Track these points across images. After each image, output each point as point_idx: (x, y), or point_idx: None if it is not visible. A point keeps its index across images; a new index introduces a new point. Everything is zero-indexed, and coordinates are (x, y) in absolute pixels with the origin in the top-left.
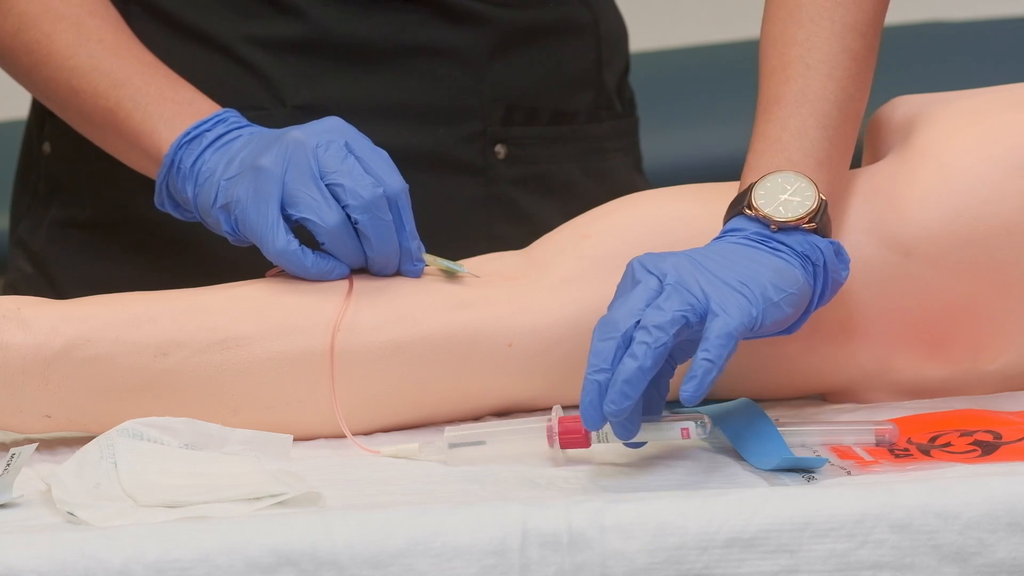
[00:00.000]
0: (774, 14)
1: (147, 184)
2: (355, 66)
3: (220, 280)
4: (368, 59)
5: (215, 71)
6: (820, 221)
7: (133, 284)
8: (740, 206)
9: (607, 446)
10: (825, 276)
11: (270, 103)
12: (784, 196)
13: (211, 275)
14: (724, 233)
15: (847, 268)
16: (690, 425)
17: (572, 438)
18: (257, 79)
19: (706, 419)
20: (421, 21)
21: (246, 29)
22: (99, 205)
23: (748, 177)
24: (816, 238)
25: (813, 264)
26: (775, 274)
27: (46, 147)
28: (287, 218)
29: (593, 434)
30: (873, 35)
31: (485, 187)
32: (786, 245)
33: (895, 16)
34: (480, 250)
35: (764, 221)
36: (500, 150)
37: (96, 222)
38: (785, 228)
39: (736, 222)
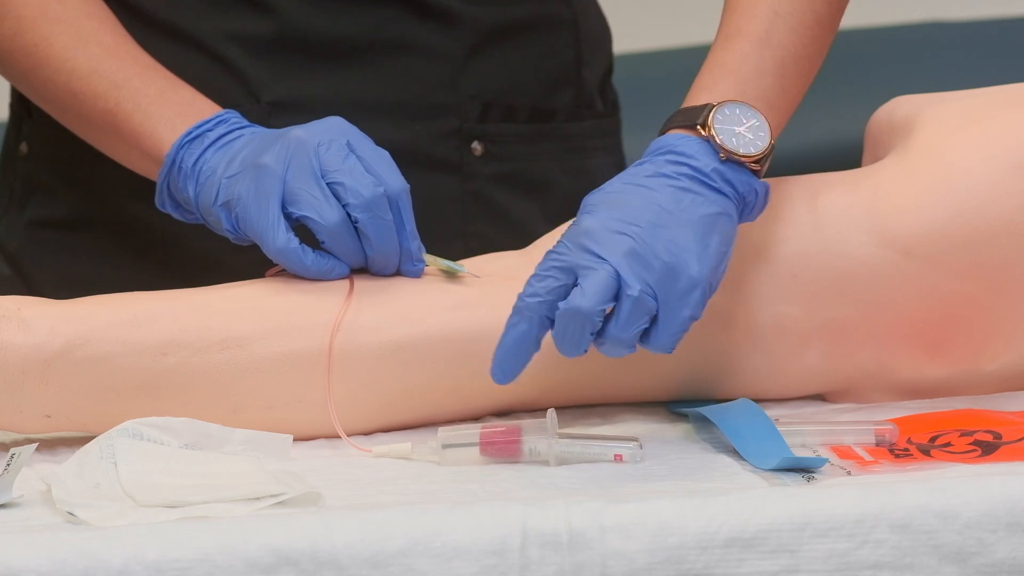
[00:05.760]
0: None
1: (126, 183)
2: (330, 62)
3: (201, 279)
4: (343, 56)
5: (189, 67)
6: (764, 165)
7: (111, 284)
8: (691, 121)
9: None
10: (750, 215)
11: (245, 99)
12: (740, 129)
13: (191, 274)
14: (666, 152)
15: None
16: (623, 450)
17: (498, 448)
18: (232, 75)
19: (639, 442)
20: (396, 18)
21: (220, 25)
22: (77, 204)
23: (701, 95)
24: (755, 180)
25: (746, 204)
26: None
27: (23, 147)
28: (288, 216)
29: (525, 449)
30: (839, 7)
31: (461, 184)
32: (729, 184)
33: (895, 16)
34: (457, 247)
35: (715, 147)
36: (477, 147)
37: (74, 221)
38: (732, 161)
39: (681, 140)
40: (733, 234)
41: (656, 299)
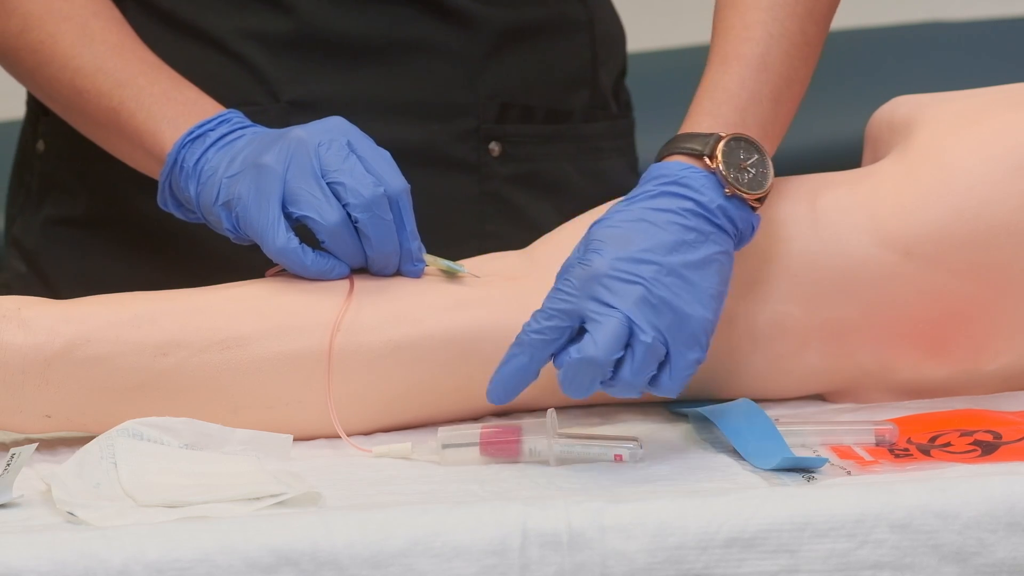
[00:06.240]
0: None
1: (141, 182)
2: (348, 62)
3: (215, 277)
4: (361, 55)
5: (209, 66)
6: (764, 202)
7: (127, 282)
8: (697, 150)
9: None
10: (740, 246)
11: (263, 99)
12: (745, 164)
13: (205, 272)
14: (671, 183)
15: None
16: (623, 450)
17: (498, 448)
18: (251, 74)
19: (639, 442)
20: (413, 18)
21: (238, 24)
22: (92, 202)
23: (703, 121)
24: (753, 216)
25: (741, 239)
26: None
27: (40, 145)
28: (288, 216)
29: (525, 449)
30: (825, 26)
31: (479, 184)
32: (731, 221)
33: (895, 16)
34: (473, 247)
35: (721, 181)
36: (495, 147)
37: (89, 219)
38: (736, 197)
39: (687, 172)
40: (731, 271)
41: (666, 344)
